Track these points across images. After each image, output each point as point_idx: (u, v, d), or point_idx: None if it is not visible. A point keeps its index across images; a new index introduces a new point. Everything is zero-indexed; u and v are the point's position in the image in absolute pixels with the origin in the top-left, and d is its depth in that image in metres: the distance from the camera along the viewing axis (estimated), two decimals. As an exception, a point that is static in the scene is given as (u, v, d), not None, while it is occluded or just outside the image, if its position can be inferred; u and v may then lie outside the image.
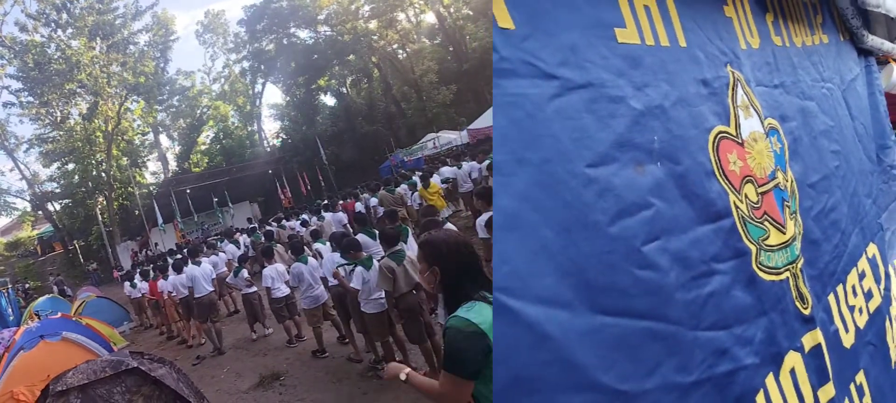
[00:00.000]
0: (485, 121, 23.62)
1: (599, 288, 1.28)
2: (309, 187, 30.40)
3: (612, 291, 1.31)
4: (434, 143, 25.94)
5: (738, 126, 1.66)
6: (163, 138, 43.36)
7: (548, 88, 1.25)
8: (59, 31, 33.13)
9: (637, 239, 1.37)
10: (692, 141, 1.54)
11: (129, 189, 34.36)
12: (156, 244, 27.17)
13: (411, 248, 5.46)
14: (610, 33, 1.39)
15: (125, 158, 36.39)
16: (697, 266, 1.52)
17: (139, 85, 35.10)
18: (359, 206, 13.03)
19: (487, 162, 11.34)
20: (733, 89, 1.66)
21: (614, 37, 1.40)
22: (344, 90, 39.61)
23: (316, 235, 9.42)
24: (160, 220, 25.78)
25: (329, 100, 41.20)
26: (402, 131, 35.13)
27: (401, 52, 38.38)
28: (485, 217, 5.17)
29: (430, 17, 37.54)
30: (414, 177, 13.42)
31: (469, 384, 2.02)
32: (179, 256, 11.76)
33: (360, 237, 6.73)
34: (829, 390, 1.95)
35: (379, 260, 5.26)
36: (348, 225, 11.96)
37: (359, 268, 5.47)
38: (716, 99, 1.62)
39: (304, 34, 38.23)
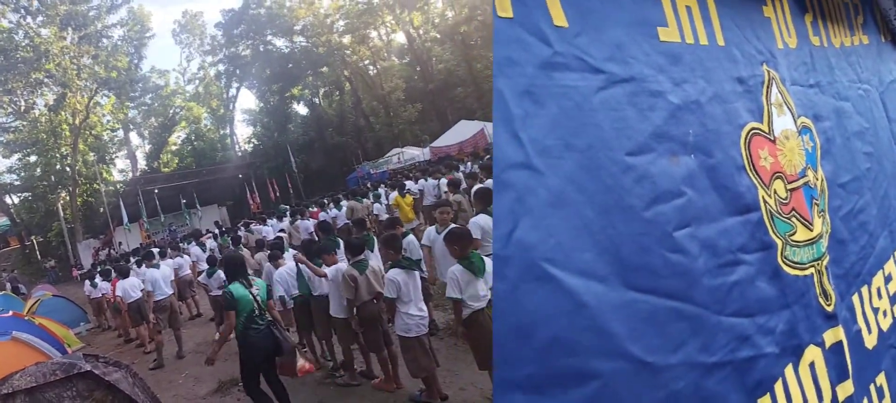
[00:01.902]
0: (446, 140, 25.31)
1: (633, 266, 1.39)
2: (278, 194, 30.59)
3: (643, 270, 1.42)
4: (399, 158, 27.60)
5: (770, 123, 1.81)
6: (133, 136, 43.91)
7: (595, 81, 1.36)
8: (29, 19, 32.73)
9: (669, 225, 1.48)
10: (725, 135, 1.66)
11: (95, 185, 33.72)
12: (120, 243, 27.07)
13: (375, 258, 5.71)
14: (653, 31, 1.50)
15: (92, 154, 35.82)
16: (724, 254, 1.63)
17: (111, 79, 34.64)
18: (323, 215, 12.94)
19: (473, 168, 11.35)
20: (768, 87, 1.81)
21: (657, 35, 1.51)
22: (316, 100, 41.02)
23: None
24: (126, 219, 25.44)
25: (301, 109, 42.88)
26: (370, 144, 37.44)
27: (371, 68, 41.40)
28: (433, 229, 5.66)
29: (400, 37, 40.94)
30: (379, 190, 14.45)
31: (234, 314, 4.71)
32: (125, 262, 11.28)
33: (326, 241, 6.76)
34: (847, 387, 2.05)
35: (343, 269, 5.51)
36: (314, 233, 11.88)
37: (335, 266, 5.70)
38: (750, 96, 1.76)
39: (280, 43, 40.65)
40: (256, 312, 4.85)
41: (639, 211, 1.42)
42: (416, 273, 4.89)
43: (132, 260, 12.37)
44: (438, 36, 38.80)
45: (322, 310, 6.05)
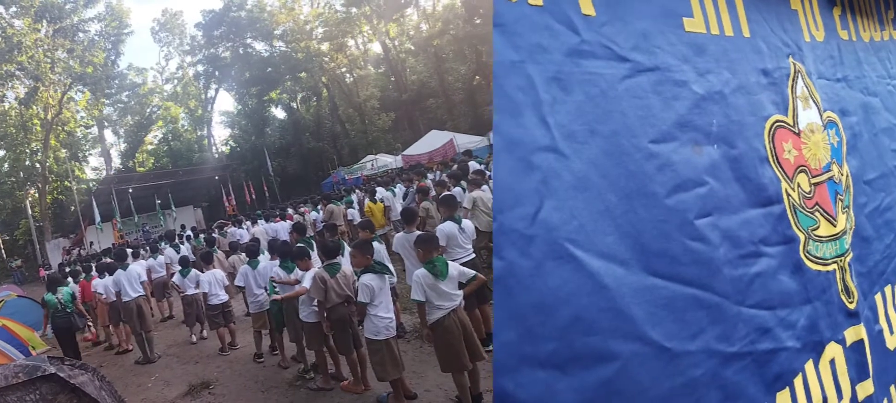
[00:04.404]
0: (417, 148, 26.32)
1: (653, 252, 1.43)
2: (254, 196, 30.57)
3: (664, 256, 1.45)
4: (372, 165, 28.73)
5: (795, 116, 1.91)
6: (108, 133, 43.47)
7: (620, 70, 1.40)
8: (2, 8, 32.49)
9: (690, 213, 1.52)
10: (749, 127, 1.70)
11: (66, 183, 33.09)
12: (91, 243, 26.54)
13: (345, 262, 5.86)
14: (678, 22, 1.55)
15: (64, 150, 35.27)
16: (746, 245, 1.67)
17: (86, 75, 34.21)
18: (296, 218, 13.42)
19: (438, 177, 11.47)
20: (793, 80, 1.92)
21: (682, 25, 1.56)
22: (294, 105, 42.50)
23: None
24: (98, 218, 25.01)
25: (279, 113, 44.80)
26: (345, 150, 39.19)
27: (348, 76, 43.51)
28: (402, 235, 5.82)
29: (376, 47, 43.48)
30: (351, 196, 15.07)
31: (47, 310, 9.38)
32: (109, 259, 11.07)
33: (299, 245, 6.92)
34: (867, 386, 2.10)
35: (315, 270, 5.68)
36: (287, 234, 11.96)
37: (310, 272, 5.77)
38: (775, 88, 1.83)
39: (259, 46, 42.70)
40: (59, 307, 8.83)
41: (660, 198, 1.46)
42: (387, 277, 5.10)
43: (103, 259, 11.96)
44: (413, 48, 41.17)
45: (293, 313, 6.23)
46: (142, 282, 9.37)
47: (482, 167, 11.80)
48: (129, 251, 13.24)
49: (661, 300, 1.40)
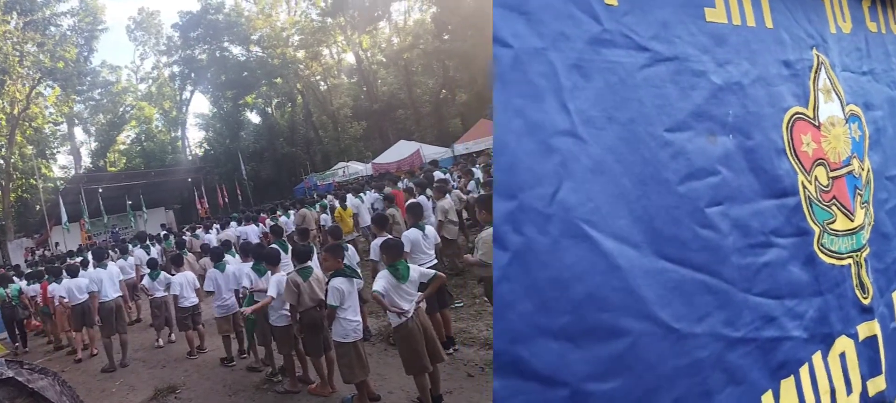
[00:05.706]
0: (386, 157, 27.34)
1: (664, 237, 1.47)
2: (226, 200, 30.19)
3: (674, 241, 1.49)
4: (344, 172, 29.15)
5: (816, 109, 1.96)
6: (78, 131, 42.55)
7: (639, 59, 1.43)
8: None
9: (702, 201, 1.54)
10: (766, 118, 1.72)
11: (32, 181, 31.90)
12: (57, 244, 25.92)
13: (315, 266, 6.01)
14: (699, 12, 1.57)
15: (30, 147, 33.74)
16: (756, 235, 1.69)
17: (56, 70, 33.65)
18: (270, 222, 13.40)
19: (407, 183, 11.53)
20: (816, 72, 1.98)
21: (703, 15, 1.57)
22: (269, 110, 43.86)
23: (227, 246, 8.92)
24: (65, 218, 24.07)
25: (254, 117, 46.36)
26: (318, 157, 40.34)
27: (322, 83, 44.80)
28: (378, 241, 5.95)
29: (349, 57, 44.63)
30: (325, 201, 15.47)
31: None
32: (80, 259, 10.85)
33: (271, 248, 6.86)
34: (879, 382, 2.12)
35: (287, 274, 5.82)
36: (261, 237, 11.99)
37: (276, 277, 5.88)
38: (797, 80, 1.86)
39: (236, 50, 44.33)
40: (7, 299, 10.49)
41: (673, 186, 1.50)
42: (356, 281, 5.26)
43: (68, 261, 11.49)
44: (384, 60, 42.46)
45: (262, 317, 6.28)
46: (119, 282, 9.23)
47: (447, 176, 11.85)
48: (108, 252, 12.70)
49: (670, 283, 1.44)
